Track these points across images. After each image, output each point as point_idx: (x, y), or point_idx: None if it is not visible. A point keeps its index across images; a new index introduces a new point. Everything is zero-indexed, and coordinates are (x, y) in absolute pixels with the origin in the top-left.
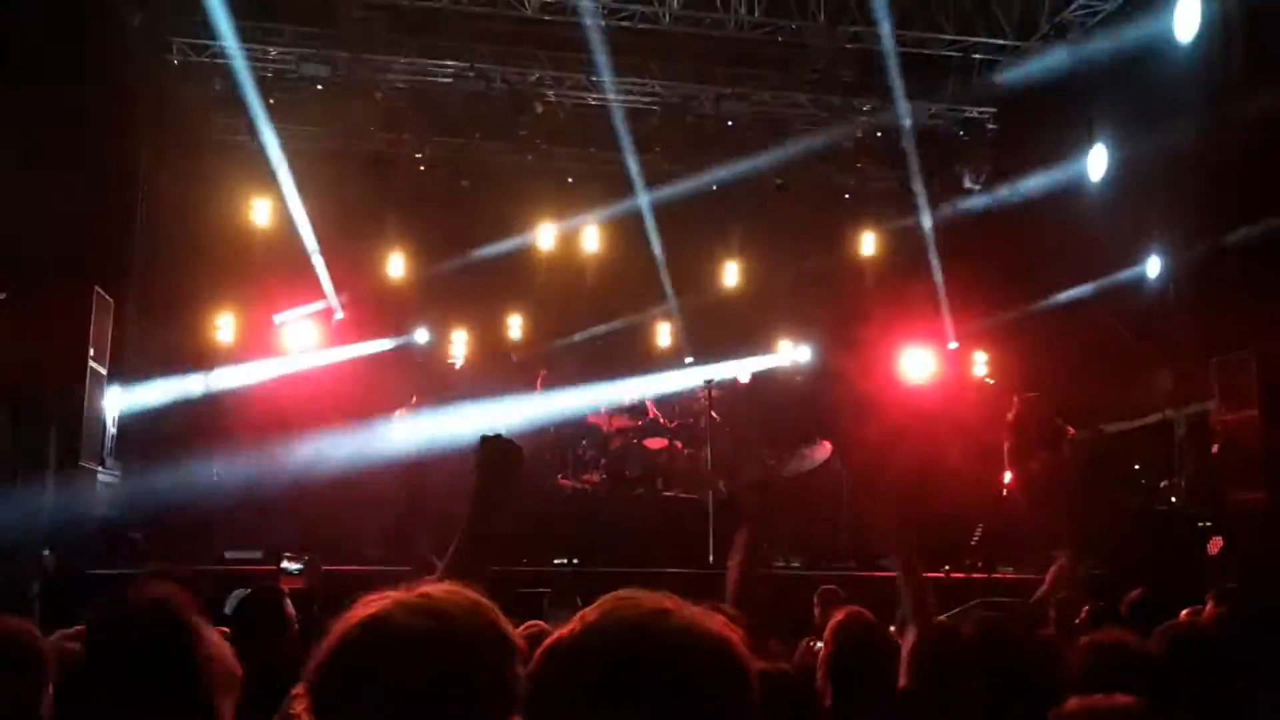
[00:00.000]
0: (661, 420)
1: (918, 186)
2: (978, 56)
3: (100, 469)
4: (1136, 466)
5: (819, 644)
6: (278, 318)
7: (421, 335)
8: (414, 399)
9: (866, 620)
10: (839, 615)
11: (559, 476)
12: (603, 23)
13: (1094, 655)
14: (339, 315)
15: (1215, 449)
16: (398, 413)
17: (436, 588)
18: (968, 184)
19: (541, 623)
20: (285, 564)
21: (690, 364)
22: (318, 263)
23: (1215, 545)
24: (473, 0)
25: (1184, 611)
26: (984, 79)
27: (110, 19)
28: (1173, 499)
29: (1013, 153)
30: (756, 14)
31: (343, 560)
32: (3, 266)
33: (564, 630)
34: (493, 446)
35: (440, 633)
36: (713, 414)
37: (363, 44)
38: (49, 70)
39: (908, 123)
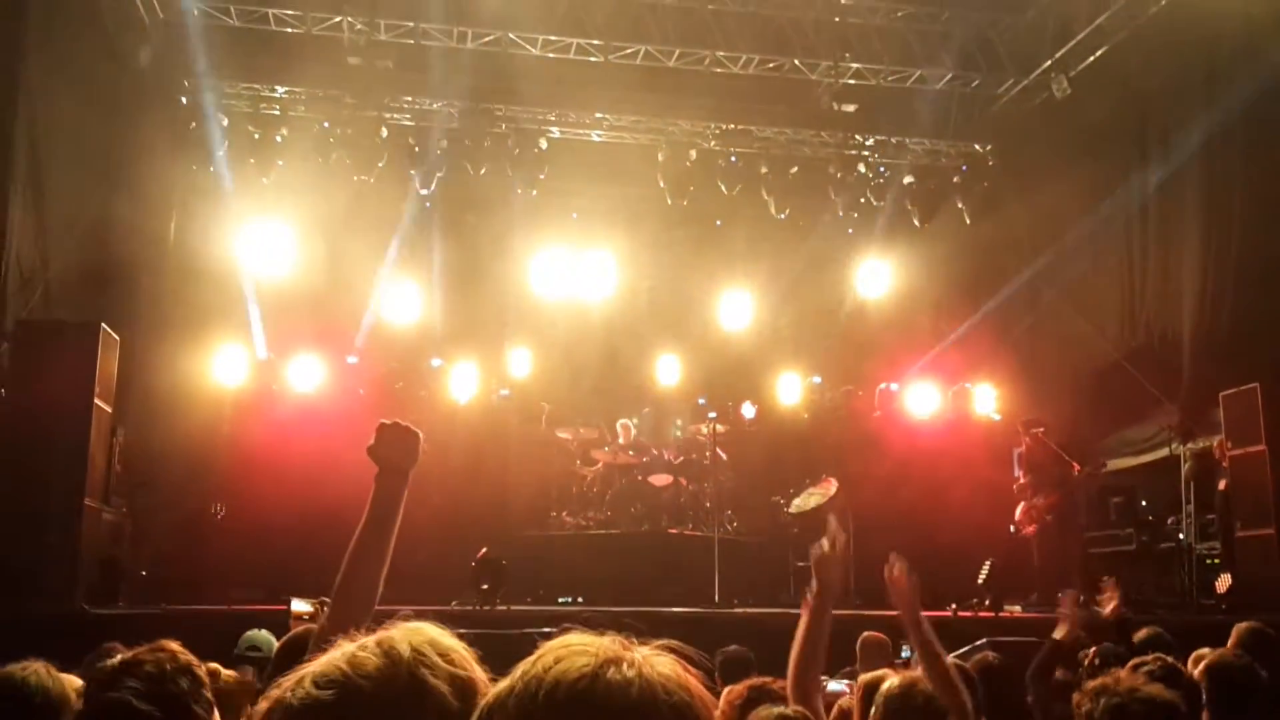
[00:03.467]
0: (666, 456)
1: (919, 221)
2: (979, 92)
3: (104, 507)
4: (1144, 503)
5: (828, 682)
6: (282, 359)
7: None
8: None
9: (920, 691)
10: (891, 682)
11: (563, 514)
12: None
13: (1102, 700)
14: (351, 358)
15: (1223, 485)
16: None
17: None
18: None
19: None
20: (295, 605)
21: (701, 403)
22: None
23: (1224, 583)
24: (478, 38)
25: (1196, 654)
26: (985, 114)
27: (120, 60)
28: (1180, 535)
29: (1012, 187)
30: (759, 52)
31: None
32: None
33: (505, 682)
34: (389, 433)
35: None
36: (718, 450)
37: (368, 82)
38: (61, 107)
39: (910, 158)
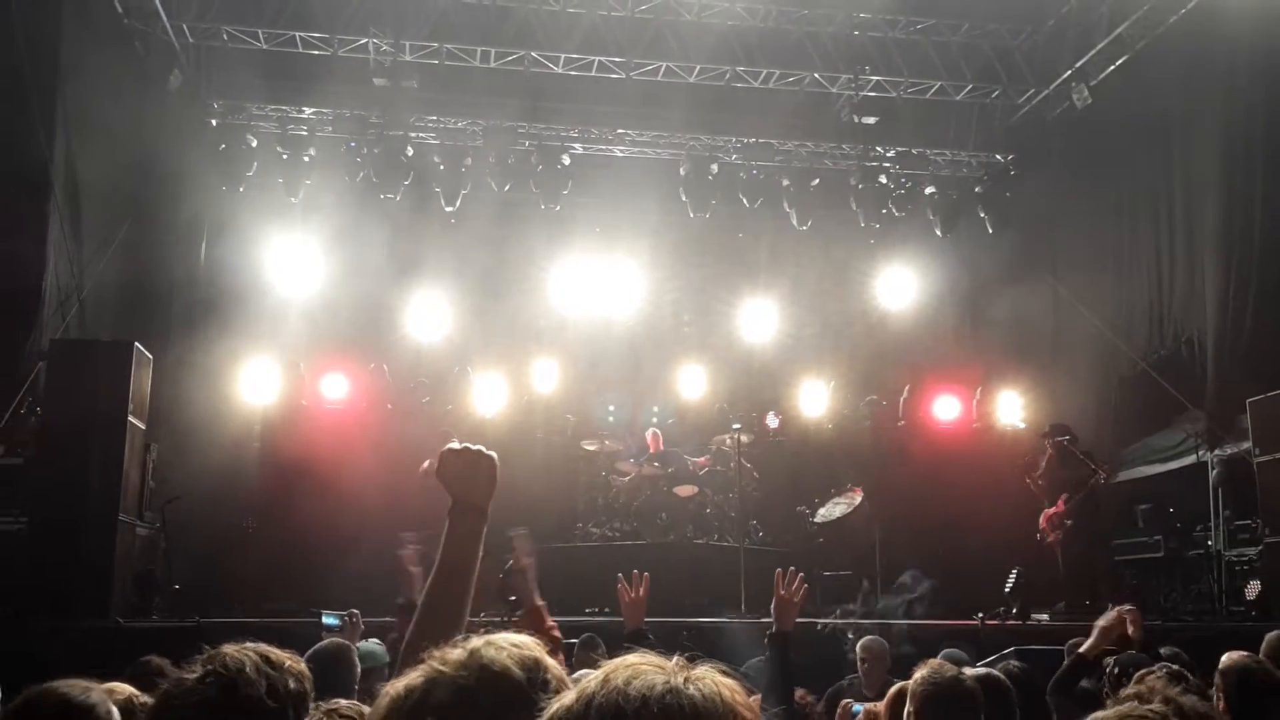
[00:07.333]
0: (691, 467)
1: (941, 231)
2: (999, 102)
3: (138, 522)
4: (1171, 510)
5: (857, 707)
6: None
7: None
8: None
9: (949, 675)
10: (921, 669)
11: (589, 525)
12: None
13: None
14: (376, 366)
15: (1260, 495)
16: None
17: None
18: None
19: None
20: (325, 618)
21: (722, 410)
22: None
23: (1253, 589)
24: (501, 57)
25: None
26: (1006, 124)
27: (151, 84)
28: (1209, 542)
29: (1033, 197)
30: (779, 66)
31: (382, 613)
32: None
33: (571, 696)
34: (459, 460)
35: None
36: (742, 460)
37: (394, 102)
38: (94, 130)
39: (931, 169)
